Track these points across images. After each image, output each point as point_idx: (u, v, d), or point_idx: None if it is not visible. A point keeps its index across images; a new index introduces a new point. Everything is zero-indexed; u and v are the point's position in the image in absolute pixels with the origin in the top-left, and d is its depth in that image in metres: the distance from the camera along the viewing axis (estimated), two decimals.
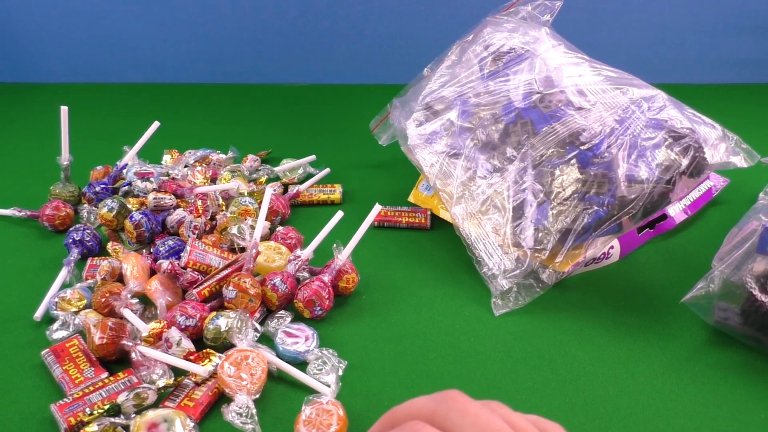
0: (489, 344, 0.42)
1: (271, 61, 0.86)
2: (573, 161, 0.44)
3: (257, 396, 0.36)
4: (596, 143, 0.44)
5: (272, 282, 0.43)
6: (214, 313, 0.41)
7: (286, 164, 0.61)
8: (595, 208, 0.43)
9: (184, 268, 0.44)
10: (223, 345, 0.40)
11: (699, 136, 0.45)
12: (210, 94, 0.83)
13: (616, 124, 0.45)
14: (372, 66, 0.86)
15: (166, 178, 0.56)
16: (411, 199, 0.57)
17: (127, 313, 0.41)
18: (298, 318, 0.43)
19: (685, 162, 0.44)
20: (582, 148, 0.45)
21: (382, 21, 0.83)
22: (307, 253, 0.45)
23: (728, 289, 0.41)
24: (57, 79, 0.86)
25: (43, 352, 0.40)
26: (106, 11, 0.81)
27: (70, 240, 0.49)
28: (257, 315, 0.43)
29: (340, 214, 0.46)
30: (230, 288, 0.42)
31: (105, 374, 0.38)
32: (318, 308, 0.43)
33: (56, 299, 0.43)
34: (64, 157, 0.56)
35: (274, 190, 0.54)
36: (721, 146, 0.47)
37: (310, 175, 0.61)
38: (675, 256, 0.51)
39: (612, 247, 0.49)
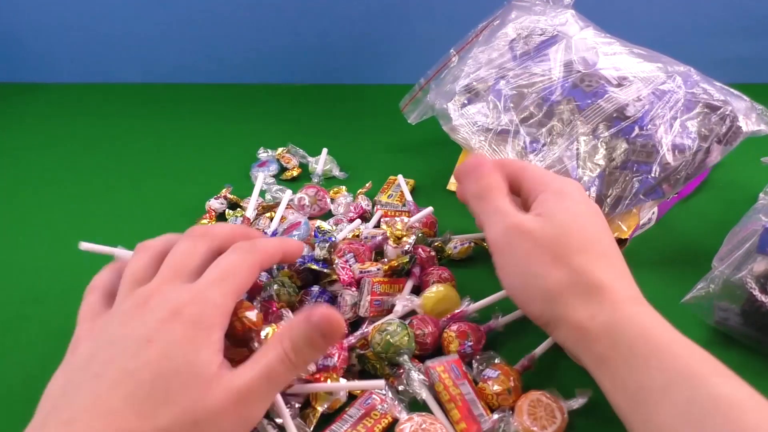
0: (488, 344, 0.42)
1: (271, 61, 0.86)
2: (620, 134, 0.48)
3: None
4: (640, 116, 0.48)
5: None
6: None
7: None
8: (644, 175, 0.47)
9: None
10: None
11: (733, 106, 0.49)
12: (210, 94, 0.83)
13: (655, 98, 0.49)
14: (372, 66, 0.86)
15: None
16: (450, 188, 0.58)
17: None
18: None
19: (722, 131, 0.48)
20: (627, 122, 0.48)
21: (382, 21, 0.83)
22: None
23: (728, 289, 0.41)
24: (58, 79, 0.86)
25: None
26: (106, 11, 0.81)
27: None
28: None
29: None
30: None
31: None
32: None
33: None
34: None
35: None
36: (752, 116, 0.50)
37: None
38: (675, 256, 0.51)
39: (654, 213, 0.52)
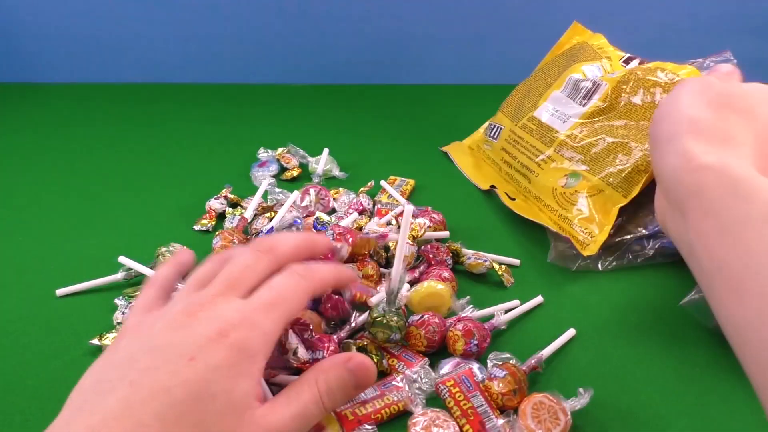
0: (493, 343, 0.42)
1: (271, 61, 0.86)
2: None
3: None
4: None
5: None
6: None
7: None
8: None
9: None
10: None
11: None
12: (210, 94, 0.83)
13: None
14: (372, 66, 0.86)
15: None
16: (446, 149, 0.62)
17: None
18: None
19: None
20: None
21: (382, 21, 0.83)
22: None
23: None
24: (58, 79, 0.86)
25: None
26: (106, 11, 0.81)
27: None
28: None
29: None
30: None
31: None
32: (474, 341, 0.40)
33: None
34: None
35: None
36: None
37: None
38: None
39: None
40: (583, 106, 0.54)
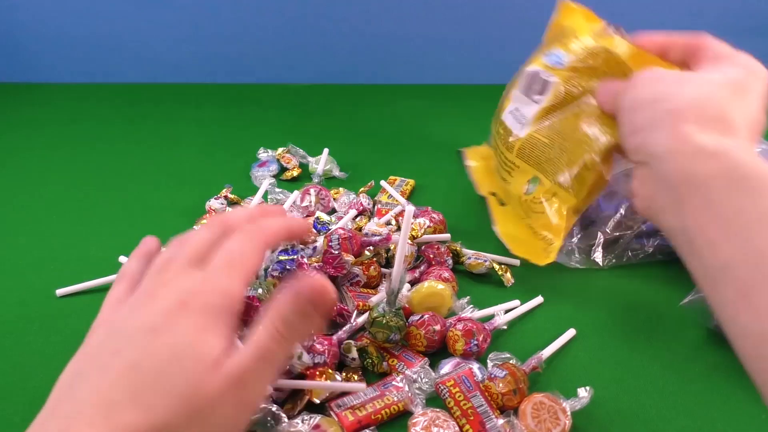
0: (494, 343, 0.42)
1: (271, 61, 0.86)
2: None
3: None
4: None
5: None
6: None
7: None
8: None
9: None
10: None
11: None
12: (210, 94, 0.83)
13: None
14: (371, 66, 0.86)
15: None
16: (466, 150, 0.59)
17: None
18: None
19: None
20: None
21: (382, 21, 0.83)
22: None
23: None
24: (58, 79, 0.86)
25: None
26: (106, 11, 0.81)
27: None
28: None
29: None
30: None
31: None
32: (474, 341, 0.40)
33: None
34: None
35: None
36: None
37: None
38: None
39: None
40: (537, 103, 0.49)
